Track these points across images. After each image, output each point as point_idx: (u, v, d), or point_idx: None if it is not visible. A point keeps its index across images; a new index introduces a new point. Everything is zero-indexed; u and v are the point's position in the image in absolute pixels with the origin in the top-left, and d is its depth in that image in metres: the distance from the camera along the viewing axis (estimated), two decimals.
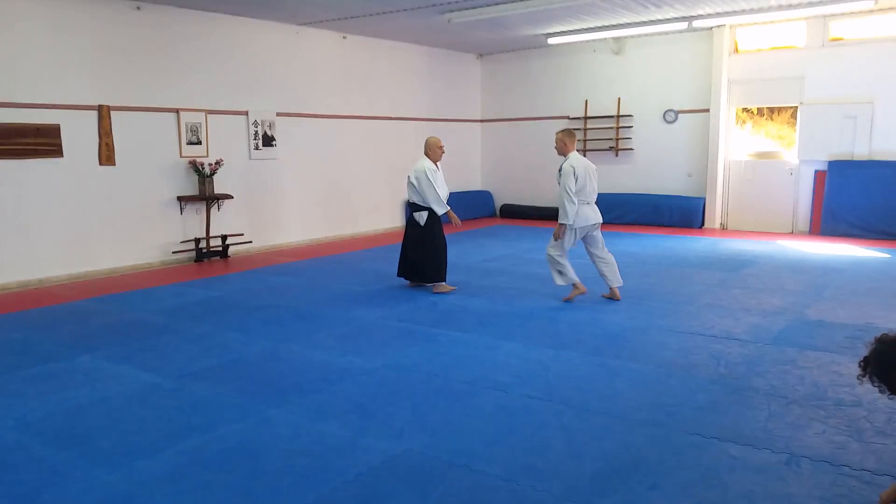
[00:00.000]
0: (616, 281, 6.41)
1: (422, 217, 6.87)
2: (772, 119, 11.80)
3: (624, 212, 12.27)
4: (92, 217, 8.17)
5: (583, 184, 6.16)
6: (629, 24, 10.52)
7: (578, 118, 12.82)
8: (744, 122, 11.74)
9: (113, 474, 3.16)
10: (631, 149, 12.34)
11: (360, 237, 11.37)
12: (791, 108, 11.02)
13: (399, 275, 7.20)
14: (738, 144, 11.57)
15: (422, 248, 6.90)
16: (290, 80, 10.30)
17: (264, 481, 3.07)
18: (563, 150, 6.33)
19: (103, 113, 8.13)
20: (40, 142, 7.62)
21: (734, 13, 9.79)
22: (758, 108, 11.63)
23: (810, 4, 9.30)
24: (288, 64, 10.24)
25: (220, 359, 4.88)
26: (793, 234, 10.85)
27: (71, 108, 7.86)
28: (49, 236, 7.80)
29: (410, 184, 6.91)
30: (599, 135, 12.63)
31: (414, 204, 6.99)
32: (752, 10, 9.67)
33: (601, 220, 6.40)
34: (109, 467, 3.23)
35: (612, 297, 6.45)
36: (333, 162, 11.08)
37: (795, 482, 2.98)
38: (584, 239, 6.40)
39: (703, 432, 3.50)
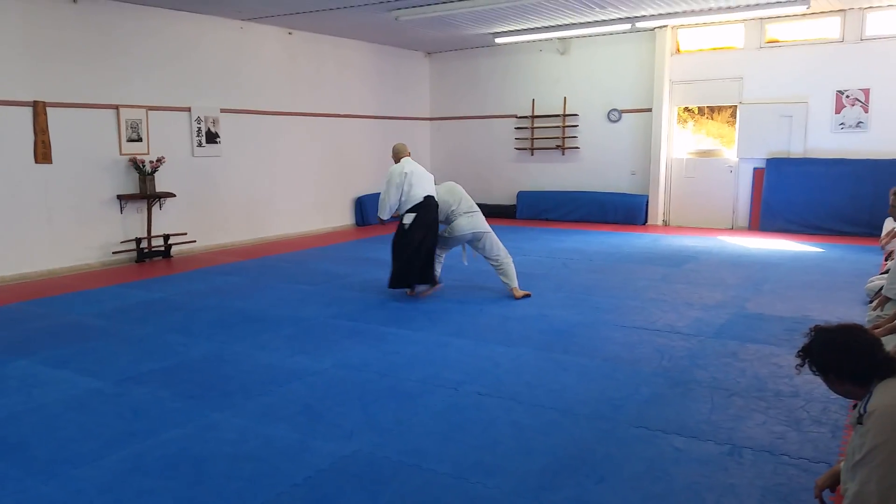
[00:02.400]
0: (511, 281, 6.58)
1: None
2: (712, 118, 12.13)
3: (570, 209, 12.44)
4: (27, 217, 7.86)
5: (459, 197, 6.67)
6: (574, 24, 10.66)
7: (526, 117, 12.93)
8: (685, 121, 12.03)
9: (49, 484, 3.04)
10: (577, 147, 12.51)
11: (308, 235, 11.23)
12: (730, 107, 11.33)
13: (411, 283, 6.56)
14: (679, 143, 11.85)
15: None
16: (235, 76, 10.11)
17: (209, 488, 2.99)
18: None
19: (38, 109, 7.83)
20: None
21: (675, 15, 10.01)
22: (699, 108, 11.93)
23: (748, 7, 9.58)
24: (232, 60, 10.04)
25: (162, 362, 4.75)
26: (733, 229, 11.16)
27: (3, 105, 7.54)
28: None
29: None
30: (546, 133, 12.76)
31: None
32: (692, 12, 9.90)
33: (484, 230, 6.62)
34: (45, 477, 3.11)
35: (513, 296, 6.51)
36: (280, 159, 10.92)
37: (738, 472, 3.05)
38: (472, 245, 6.71)
39: (649, 425, 3.57)
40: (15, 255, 7.78)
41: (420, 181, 6.43)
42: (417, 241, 6.33)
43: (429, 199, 6.44)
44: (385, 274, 7.54)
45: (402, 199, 6.39)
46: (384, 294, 6.74)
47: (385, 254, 9.00)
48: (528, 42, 12.33)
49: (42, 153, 7.92)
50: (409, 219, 6.38)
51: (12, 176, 7.69)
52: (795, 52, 10.47)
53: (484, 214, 6.91)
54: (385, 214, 6.49)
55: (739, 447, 3.30)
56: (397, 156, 6.65)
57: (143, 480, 3.06)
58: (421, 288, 6.68)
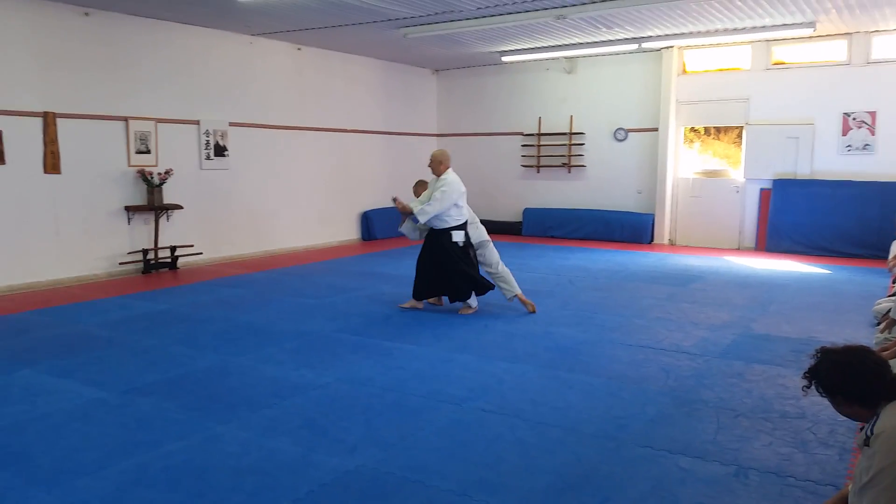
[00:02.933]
0: (513, 289, 6.68)
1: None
2: (718, 139, 12.14)
3: (576, 227, 12.45)
4: (35, 226, 7.90)
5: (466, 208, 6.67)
6: (581, 44, 10.73)
7: (532, 135, 12.97)
8: (692, 141, 12.05)
9: (52, 494, 3.03)
10: (583, 166, 12.53)
11: (313, 249, 11.25)
12: (737, 128, 11.36)
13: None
14: (686, 163, 11.86)
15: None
16: (244, 90, 10.18)
17: (211, 500, 2.98)
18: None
19: (49, 120, 7.89)
20: None
21: (682, 35, 10.07)
22: (705, 128, 11.96)
23: (754, 30, 9.63)
24: (241, 74, 10.12)
25: (166, 373, 4.75)
26: (739, 249, 11.14)
27: (14, 115, 7.60)
28: None
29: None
30: (553, 151, 12.80)
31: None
32: (699, 34, 9.96)
33: (487, 238, 6.80)
34: (48, 486, 3.10)
35: (520, 302, 6.68)
36: (287, 173, 10.97)
37: (744, 494, 3.03)
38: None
39: (654, 445, 3.54)
40: (22, 265, 7.81)
41: (464, 200, 6.47)
42: (468, 260, 6.46)
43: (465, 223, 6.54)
44: (391, 288, 7.56)
45: (446, 215, 6.33)
46: (389, 309, 6.74)
47: (392, 268, 9.03)
48: (535, 61, 12.41)
49: (51, 164, 7.97)
50: (459, 237, 6.42)
51: (22, 186, 7.74)
52: (802, 74, 10.51)
53: (489, 231, 6.94)
54: (423, 217, 6.25)
55: (745, 468, 3.27)
56: (442, 166, 6.44)
57: (145, 492, 3.05)
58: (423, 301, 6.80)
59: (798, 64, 10.59)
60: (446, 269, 6.38)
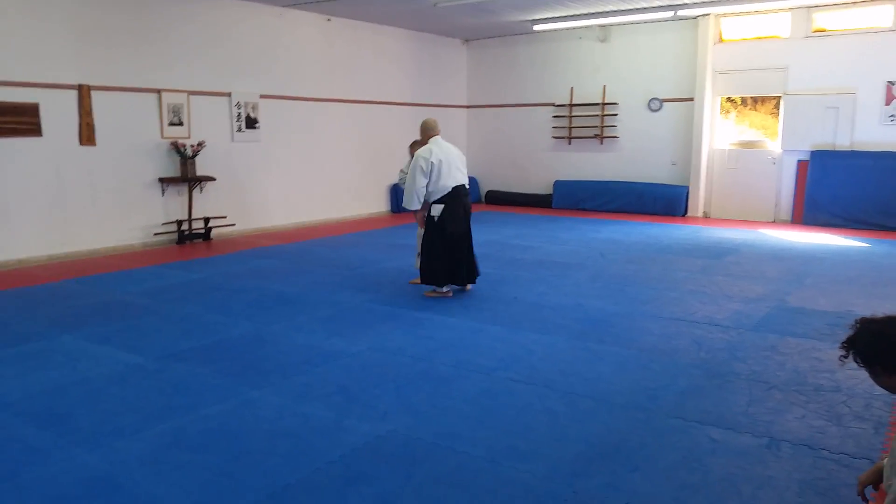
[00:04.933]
0: None
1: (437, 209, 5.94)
2: (755, 109, 11.87)
3: (607, 199, 12.32)
4: (72, 197, 8.06)
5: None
6: (615, 11, 10.52)
7: (564, 105, 12.81)
8: (728, 111, 11.80)
9: (93, 454, 3.13)
10: (616, 137, 12.36)
11: (344, 221, 11.32)
12: (774, 98, 11.09)
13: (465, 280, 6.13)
14: (721, 134, 11.62)
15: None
16: (274, 62, 10.19)
17: (247, 462, 3.05)
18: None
19: (84, 92, 8.00)
20: (18, 120, 7.49)
21: (719, 2, 9.82)
22: (741, 98, 11.69)
23: None
24: (271, 46, 10.12)
25: (202, 340, 4.84)
26: (775, 222, 10.94)
27: (50, 87, 7.72)
28: (28, 217, 7.69)
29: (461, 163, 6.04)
30: (585, 122, 12.64)
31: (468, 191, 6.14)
32: (737, 1, 9.69)
33: None
34: (89, 447, 3.20)
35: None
36: (317, 145, 11.00)
37: (776, 465, 3.01)
38: None
39: (685, 416, 3.53)
40: (60, 235, 7.98)
41: (449, 170, 5.84)
42: (451, 234, 5.87)
43: (458, 190, 5.92)
44: (414, 260, 7.57)
45: (430, 188, 5.84)
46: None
47: (412, 240, 9.04)
48: (568, 29, 12.21)
49: (87, 136, 8.09)
50: (437, 210, 5.88)
51: (58, 158, 7.88)
52: (844, 41, 10.18)
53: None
54: (412, 205, 5.90)
55: (777, 440, 3.24)
56: (425, 134, 6.01)
57: (182, 454, 3.13)
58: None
59: (840, 31, 10.25)
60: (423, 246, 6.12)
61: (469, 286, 6.23)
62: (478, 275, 6.22)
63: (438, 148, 5.89)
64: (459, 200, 5.92)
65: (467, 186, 6.08)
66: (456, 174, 5.91)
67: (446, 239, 5.90)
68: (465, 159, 6.14)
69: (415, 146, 6.41)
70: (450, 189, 5.86)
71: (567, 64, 12.76)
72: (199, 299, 6.04)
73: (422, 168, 5.78)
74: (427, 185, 5.82)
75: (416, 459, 3.07)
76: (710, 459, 3.07)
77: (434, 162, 5.79)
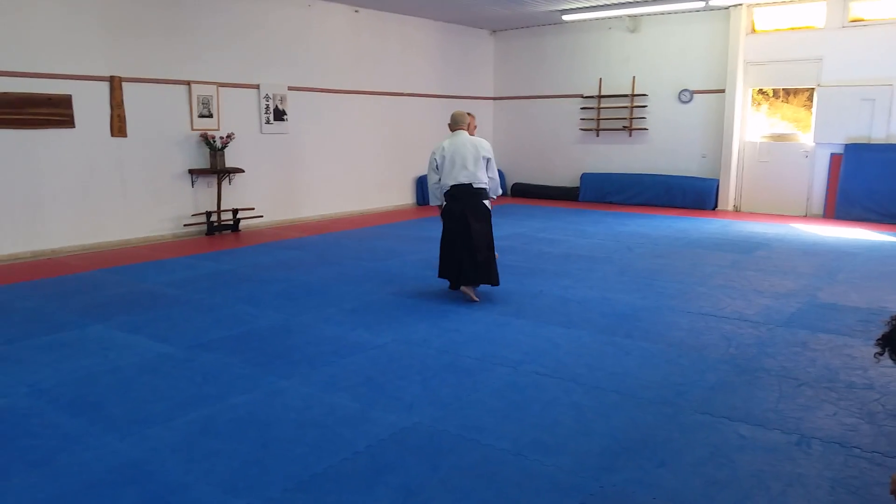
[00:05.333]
0: None
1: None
2: (787, 101, 11.66)
3: (636, 192, 12.21)
4: (104, 188, 8.19)
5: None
6: (645, 1, 10.38)
7: (592, 97, 12.70)
8: (759, 103, 11.61)
9: (125, 441, 3.19)
10: (645, 129, 12.23)
11: (370, 213, 11.36)
12: (807, 90, 10.88)
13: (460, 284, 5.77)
14: (753, 126, 11.44)
15: (492, 241, 5.71)
16: (302, 54, 10.24)
17: (274, 451, 3.09)
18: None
19: (115, 84, 8.11)
20: (52, 112, 7.62)
21: None
22: (773, 90, 11.50)
23: None
24: (300, 38, 10.17)
25: (231, 330, 4.90)
26: (806, 217, 10.76)
27: (83, 79, 7.84)
28: (61, 207, 7.83)
29: (476, 161, 5.60)
30: (613, 114, 12.52)
31: (481, 190, 5.64)
32: None
33: None
34: (121, 434, 3.26)
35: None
36: (344, 137, 11.04)
37: (806, 463, 2.97)
38: None
39: (713, 412, 3.49)
40: (92, 226, 8.12)
41: (452, 168, 5.55)
42: (449, 232, 5.65)
43: (458, 188, 5.56)
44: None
45: (441, 182, 5.68)
46: None
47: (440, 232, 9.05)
48: (597, 20, 12.09)
49: (118, 127, 8.21)
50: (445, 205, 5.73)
51: (90, 149, 8.01)
52: (882, 31, 9.94)
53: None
54: (432, 201, 5.89)
55: (808, 437, 3.20)
56: (451, 128, 5.82)
57: (212, 442, 3.17)
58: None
59: (878, 20, 10.01)
60: None
61: (468, 292, 5.67)
62: (491, 283, 5.64)
63: (451, 143, 5.63)
64: (458, 199, 5.57)
65: (478, 185, 5.58)
66: (458, 173, 5.53)
67: (444, 235, 5.74)
68: (486, 153, 5.65)
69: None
70: (448, 187, 5.61)
71: (596, 55, 12.64)
72: (228, 290, 6.11)
73: (430, 165, 5.76)
74: (440, 181, 5.70)
75: (442, 451, 3.08)
76: (739, 456, 3.04)
77: (438, 159, 5.65)
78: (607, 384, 3.87)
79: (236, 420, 3.41)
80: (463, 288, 5.71)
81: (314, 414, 3.48)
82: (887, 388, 3.77)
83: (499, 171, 14.09)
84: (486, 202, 5.71)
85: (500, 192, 6.02)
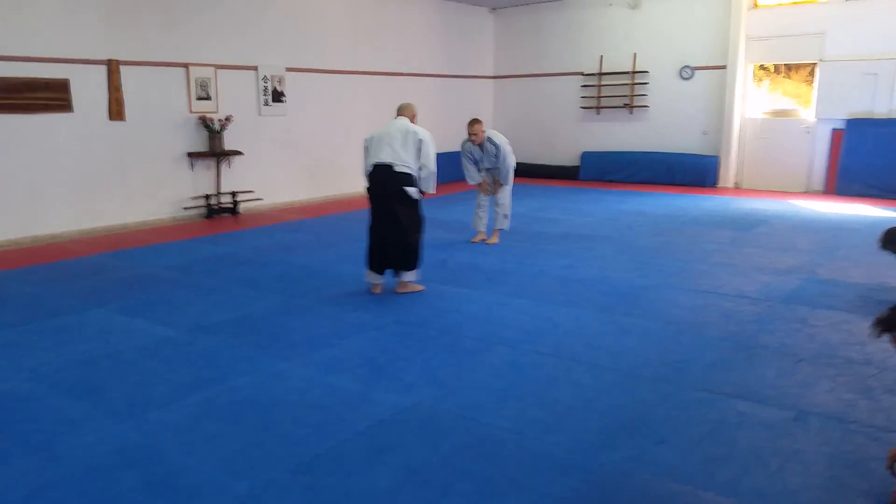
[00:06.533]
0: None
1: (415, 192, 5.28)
2: (789, 77, 11.58)
3: (636, 170, 12.17)
4: (102, 172, 8.17)
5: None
6: None
7: (593, 74, 12.62)
8: (761, 79, 11.53)
9: (125, 424, 3.21)
10: (646, 106, 12.16)
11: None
12: (809, 65, 10.79)
13: (379, 269, 5.38)
14: (754, 102, 11.37)
15: (416, 226, 5.34)
16: (300, 34, 10.16)
17: (276, 432, 3.10)
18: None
19: (113, 67, 8.06)
20: (50, 96, 7.58)
21: None
22: (775, 66, 11.41)
23: None
24: (298, 18, 10.08)
25: (231, 313, 4.91)
26: (807, 193, 10.72)
27: (80, 63, 7.79)
28: (59, 191, 7.81)
29: (404, 144, 5.23)
30: (614, 91, 12.44)
31: (404, 174, 5.18)
32: None
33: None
34: (122, 418, 3.27)
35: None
36: (343, 118, 10.99)
37: (804, 438, 2.98)
38: None
39: (712, 389, 3.50)
40: (91, 210, 8.10)
41: (379, 148, 5.21)
42: (373, 216, 5.35)
43: (377, 168, 5.17)
44: (439, 234, 7.57)
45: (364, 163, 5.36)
46: (444, 253, 6.77)
47: (446, 214, 9.04)
48: None
49: (116, 110, 8.17)
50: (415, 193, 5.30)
51: (88, 133, 7.97)
52: (886, 4, 9.84)
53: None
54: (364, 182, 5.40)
55: (806, 413, 3.21)
56: (397, 114, 5.65)
57: (213, 424, 3.19)
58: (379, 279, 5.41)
59: None
60: None
61: (379, 283, 5.39)
62: (408, 267, 5.30)
63: (385, 126, 5.40)
64: (376, 179, 5.19)
65: (401, 168, 5.14)
66: (381, 152, 5.18)
67: (371, 218, 5.39)
68: (420, 136, 5.26)
69: (471, 126, 6.92)
70: (370, 168, 5.24)
71: (596, 32, 12.54)
72: (228, 273, 6.11)
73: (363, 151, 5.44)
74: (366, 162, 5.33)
75: (443, 431, 3.10)
76: (737, 432, 3.05)
77: (366, 142, 5.39)
78: (607, 362, 3.88)
79: (237, 402, 3.42)
80: (370, 275, 5.38)
81: (315, 395, 3.49)
82: (885, 364, 3.78)
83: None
84: (411, 190, 5.17)
85: (433, 188, 5.42)
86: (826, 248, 6.78)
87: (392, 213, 5.17)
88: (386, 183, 5.16)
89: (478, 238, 7.31)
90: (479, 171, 7.18)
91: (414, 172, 5.22)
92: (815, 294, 5.18)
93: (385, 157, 5.15)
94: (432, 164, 5.30)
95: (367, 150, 5.34)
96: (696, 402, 3.37)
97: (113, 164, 8.25)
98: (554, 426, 3.13)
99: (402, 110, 5.63)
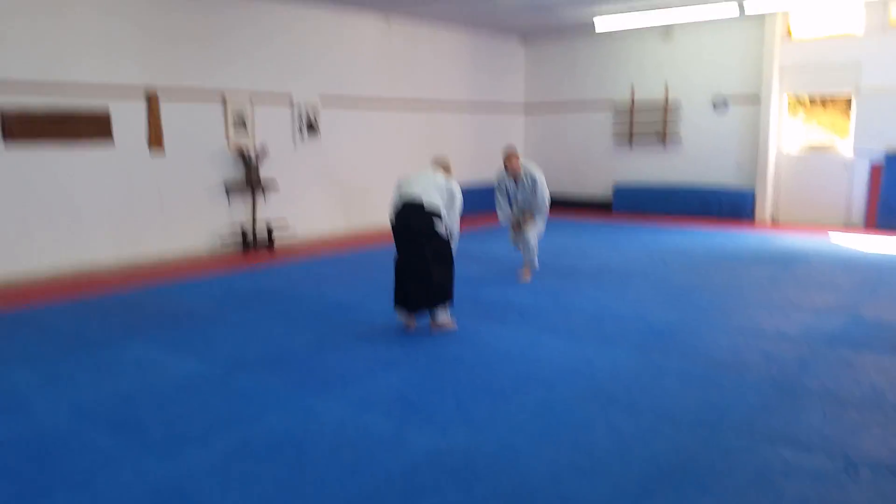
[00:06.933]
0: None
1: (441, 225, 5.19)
2: (825, 108, 11.44)
3: (670, 203, 12.06)
4: (141, 203, 8.33)
5: None
6: (679, 8, 10.27)
7: (624, 106, 12.60)
8: (796, 111, 11.40)
9: (162, 462, 3.21)
10: (679, 137, 12.07)
11: None
12: (845, 97, 10.66)
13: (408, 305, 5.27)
14: (789, 135, 11.24)
15: (445, 263, 5.22)
16: (334, 65, 10.33)
17: (310, 472, 3.08)
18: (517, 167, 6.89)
19: (152, 99, 8.26)
20: (91, 127, 7.78)
21: None
22: (810, 98, 11.29)
23: None
24: (331, 49, 10.27)
25: (265, 348, 4.93)
26: (847, 227, 10.52)
27: (121, 95, 8.00)
28: (99, 222, 7.98)
29: (437, 188, 5.22)
30: (646, 118, 12.38)
31: (432, 211, 5.11)
32: None
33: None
34: (159, 456, 3.28)
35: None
36: (376, 148, 11.10)
37: (855, 490, 2.88)
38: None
39: (755, 434, 3.41)
40: (129, 241, 8.26)
41: (409, 187, 5.20)
42: (399, 252, 5.27)
43: (406, 205, 5.12)
44: (470, 268, 7.55)
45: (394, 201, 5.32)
46: (475, 289, 6.74)
47: (478, 247, 9.03)
48: (629, 28, 12.00)
49: (155, 143, 8.35)
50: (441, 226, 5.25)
51: (128, 164, 8.16)
52: None
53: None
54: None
55: (855, 462, 3.10)
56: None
57: (248, 463, 3.18)
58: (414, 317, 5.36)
59: None
60: None
61: (412, 320, 5.35)
62: (435, 303, 5.20)
63: (418, 172, 5.46)
64: (403, 215, 5.13)
65: (430, 206, 5.07)
66: (411, 191, 5.15)
67: (397, 254, 5.33)
68: (450, 187, 5.28)
69: (509, 159, 6.94)
70: (399, 205, 5.19)
71: (628, 63, 12.54)
72: (262, 307, 6.16)
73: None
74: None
75: (478, 474, 3.05)
76: (783, 481, 2.96)
77: (399, 179, 5.45)
78: (645, 405, 3.81)
79: (271, 441, 3.42)
80: (399, 311, 5.33)
81: (348, 435, 3.47)
82: None
83: None
84: (439, 225, 5.10)
85: (455, 244, 5.39)
86: (868, 286, 6.62)
87: (418, 249, 5.10)
88: (413, 218, 5.08)
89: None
90: (511, 207, 7.13)
91: (443, 213, 5.17)
92: (858, 335, 5.04)
93: (415, 196, 5.10)
94: (457, 226, 5.39)
95: (398, 187, 5.32)
96: (738, 448, 3.28)
97: (151, 195, 8.42)
98: (591, 472, 3.07)
99: (438, 162, 5.67)
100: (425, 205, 5.07)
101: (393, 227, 5.21)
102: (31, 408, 3.92)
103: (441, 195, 5.20)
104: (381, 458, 3.22)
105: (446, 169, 5.59)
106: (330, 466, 3.14)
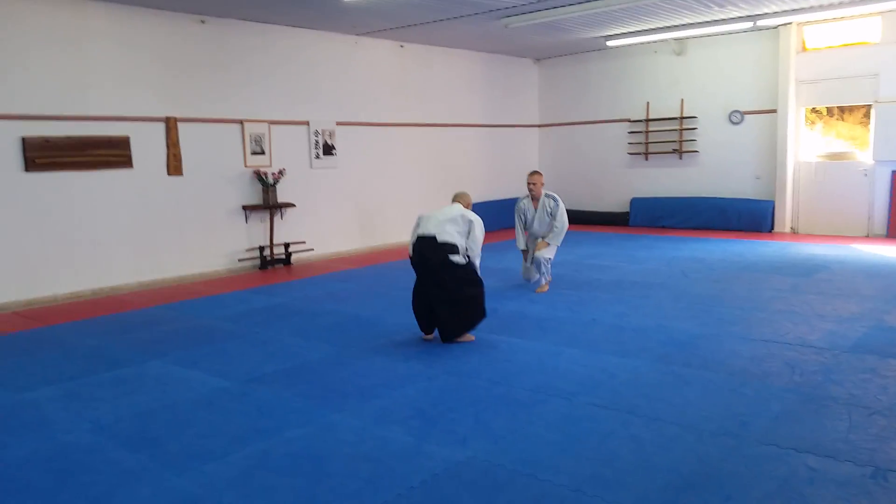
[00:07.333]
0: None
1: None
2: (842, 119, 11.36)
3: (688, 216, 11.98)
4: (161, 226, 8.42)
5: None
6: (690, 24, 10.29)
7: (640, 121, 12.58)
8: (813, 122, 11.33)
9: (182, 477, 3.22)
10: (695, 151, 12.03)
11: None
12: (864, 106, 10.58)
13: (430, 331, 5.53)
14: (807, 145, 11.16)
15: (474, 284, 5.39)
16: (350, 89, 10.43)
17: (330, 486, 3.07)
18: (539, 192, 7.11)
19: (170, 124, 8.38)
20: (111, 153, 7.90)
21: (801, 10, 9.46)
22: (828, 109, 11.21)
23: None
24: (347, 73, 10.37)
25: (284, 364, 4.94)
26: (868, 237, 10.38)
27: (140, 121, 8.12)
28: (120, 245, 8.07)
29: (453, 221, 5.33)
30: (662, 137, 12.37)
31: (447, 243, 5.22)
32: (820, 7, 9.31)
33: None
34: (179, 470, 3.29)
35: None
36: (392, 170, 11.16)
37: (883, 498, 2.81)
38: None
39: (780, 443, 3.35)
40: (150, 262, 8.34)
41: (427, 224, 5.33)
42: (418, 281, 5.46)
43: (420, 240, 5.28)
44: (494, 283, 7.53)
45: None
46: (493, 302, 6.70)
47: (494, 263, 9.02)
48: (642, 44, 12.02)
49: (174, 166, 8.46)
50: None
51: (148, 188, 8.26)
52: None
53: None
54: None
55: (884, 470, 3.03)
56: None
57: (268, 477, 3.18)
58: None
59: None
60: None
61: (431, 334, 5.52)
62: (460, 332, 5.33)
63: (438, 208, 5.59)
64: (419, 250, 5.27)
65: (444, 239, 5.19)
66: (427, 227, 5.30)
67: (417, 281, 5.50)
68: (469, 217, 5.39)
69: (532, 175, 7.16)
70: (415, 240, 5.36)
71: (642, 79, 12.55)
72: (281, 323, 6.18)
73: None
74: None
75: (498, 487, 3.02)
76: (809, 489, 2.90)
77: (419, 215, 5.54)
78: (667, 416, 3.76)
79: (291, 455, 3.41)
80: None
81: (367, 448, 3.46)
82: None
83: None
84: (455, 257, 5.19)
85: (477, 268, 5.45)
86: (892, 293, 6.51)
87: (438, 280, 5.21)
88: (428, 253, 5.20)
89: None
90: (524, 234, 7.25)
91: (459, 244, 5.25)
92: (883, 342, 4.96)
93: (430, 231, 5.25)
94: (478, 248, 5.40)
95: (417, 224, 5.44)
96: (763, 457, 3.22)
97: (171, 218, 8.51)
98: (614, 483, 3.02)
99: (458, 198, 5.77)
100: (438, 239, 5.20)
101: (411, 261, 5.40)
102: (52, 425, 3.95)
103: (457, 226, 5.33)
104: (400, 470, 3.20)
105: (466, 205, 5.70)
106: (349, 480, 3.13)
